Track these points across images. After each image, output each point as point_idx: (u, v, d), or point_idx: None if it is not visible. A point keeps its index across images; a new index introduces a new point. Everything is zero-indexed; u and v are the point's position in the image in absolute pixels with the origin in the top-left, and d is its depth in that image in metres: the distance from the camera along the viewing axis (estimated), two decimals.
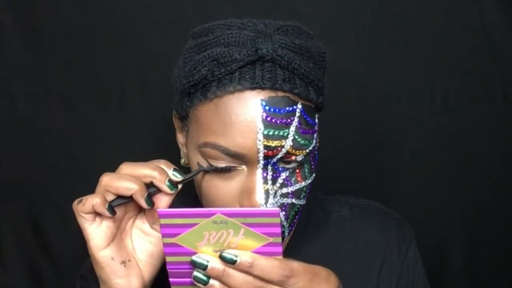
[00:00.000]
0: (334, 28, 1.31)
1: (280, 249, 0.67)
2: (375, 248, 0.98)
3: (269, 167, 0.80)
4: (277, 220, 0.65)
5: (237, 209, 0.67)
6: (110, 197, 0.75)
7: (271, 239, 0.66)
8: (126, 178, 0.74)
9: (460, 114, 1.36)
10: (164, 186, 0.75)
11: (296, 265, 0.68)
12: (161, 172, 0.75)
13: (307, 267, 0.69)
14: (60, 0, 1.31)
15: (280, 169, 0.81)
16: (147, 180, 0.75)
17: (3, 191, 1.38)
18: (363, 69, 1.34)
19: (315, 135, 0.83)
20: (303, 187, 0.84)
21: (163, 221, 0.66)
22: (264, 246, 0.66)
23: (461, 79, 1.35)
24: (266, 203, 0.78)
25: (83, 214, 0.74)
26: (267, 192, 0.79)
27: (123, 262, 0.77)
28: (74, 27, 1.32)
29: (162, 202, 0.77)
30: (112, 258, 0.76)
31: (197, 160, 0.83)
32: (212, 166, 0.80)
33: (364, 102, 1.36)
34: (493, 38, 1.33)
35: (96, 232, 0.75)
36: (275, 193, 0.80)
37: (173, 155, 1.00)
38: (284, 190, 0.81)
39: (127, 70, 1.34)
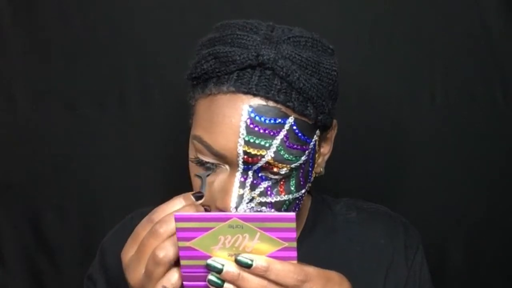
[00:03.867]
0: (334, 28, 1.30)
1: (295, 253, 0.67)
2: (382, 252, 0.98)
3: (250, 173, 0.79)
4: (292, 225, 0.65)
5: (253, 213, 0.67)
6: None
7: (286, 244, 0.66)
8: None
9: (460, 114, 1.36)
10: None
11: (310, 270, 0.68)
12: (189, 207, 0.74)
13: (321, 272, 0.69)
14: (60, 0, 1.31)
15: (263, 177, 0.80)
16: None
17: (3, 191, 1.38)
18: (363, 69, 1.34)
19: (306, 152, 0.81)
20: (285, 200, 0.82)
21: (179, 224, 0.66)
22: (279, 250, 0.67)
23: (461, 79, 1.35)
24: (237, 207, 0.78)
25: None
26: (241, 197, 0.78)
27: None
28: (74, 27, 1.32)
29: None
30: None
31: (189, 150, 0.83)
32: (199, 158, 0.81)
33: (364, 102, 1.36)
34: (493, 38, 1.33)
35: None
36: (252, 199, 0.79)
37: (172, 155, 1.00)
38: (263, 199, 0.80)
39: (127, 70, 1.34)
